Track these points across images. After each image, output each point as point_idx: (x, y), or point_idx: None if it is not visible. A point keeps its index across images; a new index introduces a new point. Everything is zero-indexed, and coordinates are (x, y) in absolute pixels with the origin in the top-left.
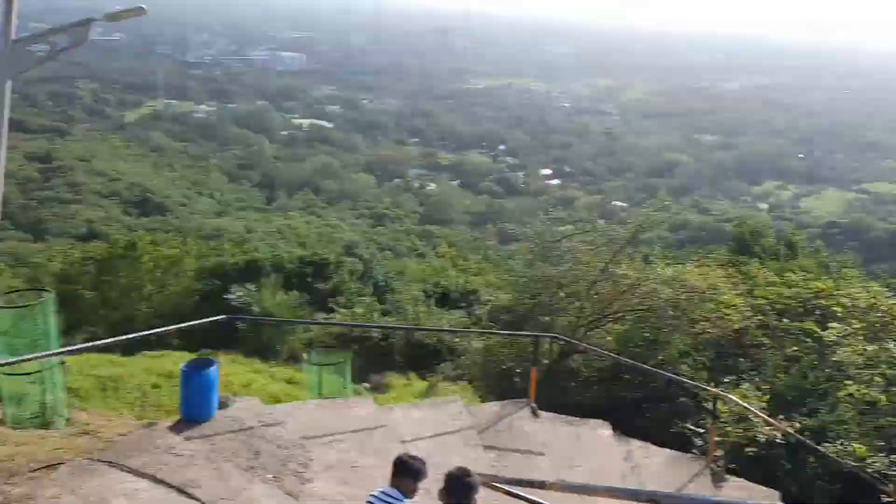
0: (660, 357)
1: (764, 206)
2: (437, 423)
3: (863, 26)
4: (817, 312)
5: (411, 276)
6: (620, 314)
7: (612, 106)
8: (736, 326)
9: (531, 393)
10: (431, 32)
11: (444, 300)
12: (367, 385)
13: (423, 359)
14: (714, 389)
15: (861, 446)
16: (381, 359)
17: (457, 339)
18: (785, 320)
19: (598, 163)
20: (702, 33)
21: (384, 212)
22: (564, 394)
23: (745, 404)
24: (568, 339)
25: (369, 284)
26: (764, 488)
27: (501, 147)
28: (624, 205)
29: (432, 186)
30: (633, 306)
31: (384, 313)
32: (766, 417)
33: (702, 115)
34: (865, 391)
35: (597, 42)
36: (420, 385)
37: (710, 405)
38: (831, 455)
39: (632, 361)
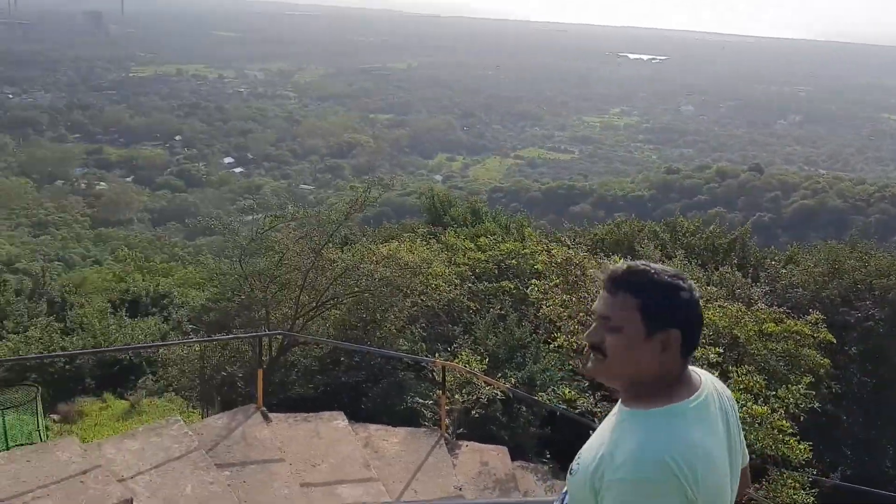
0: (377, 335)
1: (438, 177)
2: (159, 451)
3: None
4: (510, 272)
5: (92, 286)
6: (337, 299)
7: (288, 89)
8: (449, 296)
9: (259, 396)
10: (81, 16)
11: (135, 308)
12: (54, 418)
13: (117, 376)
14: (441, 360)
15: (569, 390)
16: (68, 384)
17: (159, 351)
18: (485, 283)
19: (281, 147)
20: (363, 16)
21: (47, 218)
22: (288, 389)
23: (470, 369)
24: (286, 332)
25: (42, 303)
26: (492, 447)
27: (177, 138)
28: (311, 187)
29: (102, 185)
30: (349, 289)
31: (66, 332)
32: (487, 378)
33: (374, 94)
34: (573, 340)
35: (264, 26)
36: (120, 406)
37: (437, 376)
38: (543, 403)
39: (352, 345)
